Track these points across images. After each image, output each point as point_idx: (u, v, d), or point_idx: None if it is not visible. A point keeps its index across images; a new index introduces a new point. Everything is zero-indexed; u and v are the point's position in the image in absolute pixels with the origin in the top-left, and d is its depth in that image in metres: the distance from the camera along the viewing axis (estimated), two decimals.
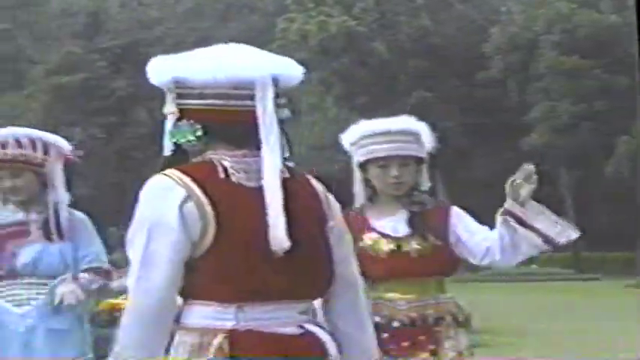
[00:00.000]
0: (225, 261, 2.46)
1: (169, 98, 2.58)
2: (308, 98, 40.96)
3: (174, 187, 2.46)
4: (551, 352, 10.70)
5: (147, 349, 2.47)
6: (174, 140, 2.55)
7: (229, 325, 2.48)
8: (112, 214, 27.31)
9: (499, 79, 39.74)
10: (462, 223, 3.93)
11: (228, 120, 2.52)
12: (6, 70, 44.56)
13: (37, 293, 4.10)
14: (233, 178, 2.51)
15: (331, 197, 2.68)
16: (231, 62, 2.52)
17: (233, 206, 2.48)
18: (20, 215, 4.13)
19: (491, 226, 3.88)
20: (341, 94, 39.51)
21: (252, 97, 2.51)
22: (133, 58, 39.49)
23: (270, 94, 2.50)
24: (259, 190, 2.50)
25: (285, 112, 2.55)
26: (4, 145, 4.16)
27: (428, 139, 4.03)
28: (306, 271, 2.55)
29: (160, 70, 2.57)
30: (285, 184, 2.51)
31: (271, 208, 2.47)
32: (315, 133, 38.66)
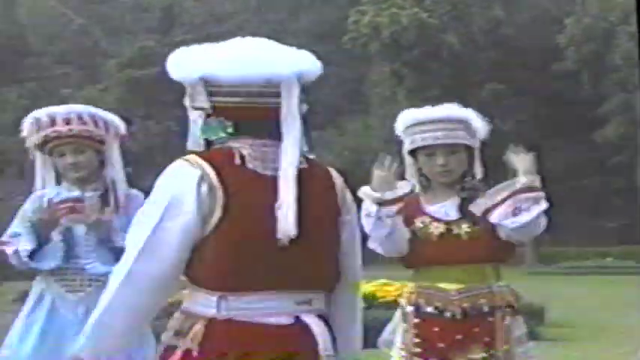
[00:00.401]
0: (219, 249, 2.48)
1: (196, 94, 2.62)
2: (379, 91, 40.85)
3: (190, 168, 2.54)
4: (628, 345, 10.53)
5: (136, 318, 2.52)
6: (206, 137, 2.62)
7: (211, 313, 2.50)
8: None
9: (573, 71, 39.03)
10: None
11: (255, 116, 2.58)
12: (81, 65, 45.00)
13: (90, 280, 4.06)
14: (249, 165, 2.56)
15: (348, 192, 2.70)
16: (260, 61, 2.57)
17: (243, 192, 2.51)
18: (76, 192, 4.07)
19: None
20: (412, 86, 39.26)
21: (278, 94, 2.57)
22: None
23: (296, 91, 2.57)
24: (273, 179, 2.54)
25: (304, 107, 2.61)
26: (67, 122, 4.13)
27: (479, 126, 4.01)
28: (310, 261, 2.56)
29: (186, 66, 2.61)
30: (301, 174, 2.55)
31: (283, 196, 2.50)
32: (387, 126, 38.16)
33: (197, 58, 2.61)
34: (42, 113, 4.17)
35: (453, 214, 3.89)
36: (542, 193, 3.80)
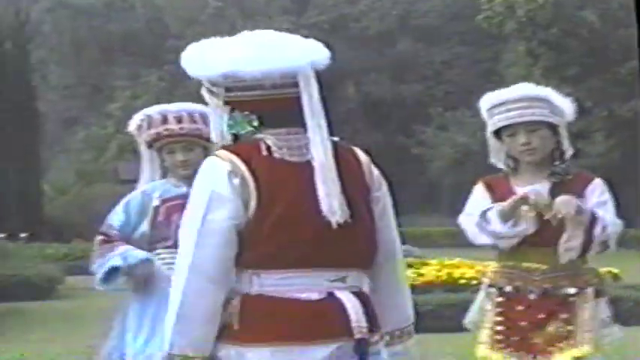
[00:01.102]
0: (256, 232, 2.65)
1: (217, 91, 2.73)
2: (514, 70, 41.70)
3: (221, 163, 2.67)
4: None
5: (209, 305, 2.65)
6: (234, 131, 2.74)
7: (245, 289, 2.67)
8: None
9: None
10: (595, 196, 3.91)
11: (277, 107, 2.71)
12: None
13: None
14: (276, 155, 2.69)
15: (375, 169, 2.87)
16: (277, 54, 2.69)
17: (273, 180, 2.66)
18: (184, 189, 3.93)
19: None
20: (550, 65, 38.88)
21: (295, 85, 2.69)
22: (340, 33, 43.14)
23: (313, 80, 2.71)
24: (305, 165, 2.69)
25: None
26: (179, 120, 4.20)
27: (563, 105, 4.03)
28: (345, 240, 2.68)
29: (207, 64, 2.71)
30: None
31: (325, 181, 2.66)
32: None
33: (217, 56, 2.70)
34: (154, 110, 4.29)
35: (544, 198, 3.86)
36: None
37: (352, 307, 2.68)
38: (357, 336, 2.69)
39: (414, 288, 12.19)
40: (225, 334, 2.68)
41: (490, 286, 4.04)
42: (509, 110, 3.95)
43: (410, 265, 13.12)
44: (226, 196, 2.65)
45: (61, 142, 43.26)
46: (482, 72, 40.36)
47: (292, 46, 2.74)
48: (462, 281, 11.63)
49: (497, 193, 4.00)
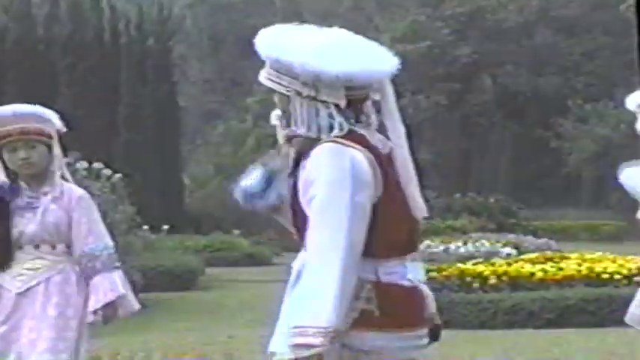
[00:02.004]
0: (380, 221, 2.76)
1: (326, 88, 2.81)
2: None
3: (353, 150, 2.77)
4: None
5: (353, 287, 2.73)
6: (343, 127, 2.81)
7: (372, 277, 2.76)
8: (457, 180, 42.34)
9: None
10: None
11: (361, 105, 2.92)
12: None
13: None
14: (379, 145, 2.86)
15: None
16: (380, 60, 2.97)
17: (387, 171, 2.83)
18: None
19: None
20: None
21: (369, 85, 2.89)
22: (477, 25, 42.89)
23: (390, 84, 2.95)
24: (389, 156, 2.86)
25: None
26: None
27: None
28: (417, 228, 2.92)
29: (323, 61, 2.78)
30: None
31: (412, 177, 2.89)
32: None
33: (338, 55, 2.80)
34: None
35: None
36: None
37: (428, 294, 2.92)
38: (436, 322, 2.92)
39: (553, 282, 12.05)
40: (362, 320, 2.75)
41: None
42: None
43: (549, 259, 12.94)
44: (366, 181, 2.74)
45: (201, 136, 44.08)
46: (627, 63, 39.36)
47: (385, 54, 2.98)
48: (605, 276, 11.37)
49: None
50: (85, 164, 13.57)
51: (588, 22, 42.61)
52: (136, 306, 4.71)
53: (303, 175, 2.82)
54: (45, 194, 4.52)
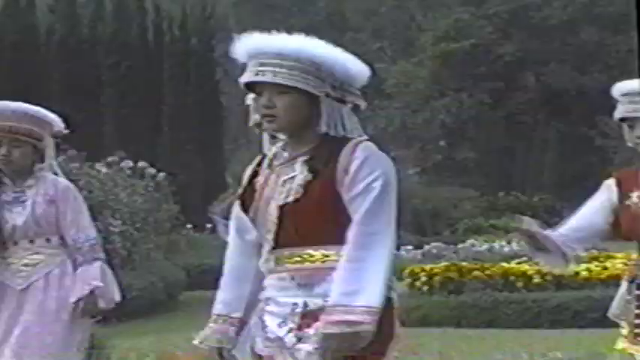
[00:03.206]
0: None
1: (352, 91, 3.12)
2: None
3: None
4: None
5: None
6: (356, 127, 3.12)
7: None
8: (500, 178, 41.97)
9: None
10: None
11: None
12: (396, 39, 42.26)
13: None
14: None
15: None
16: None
17: None
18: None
19: None
20: None
21: None
22: (521, 23, 42.32)
23: None
24: None
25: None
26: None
27: None
28: None
29: (356, 69, 3.11)
30: None
31: None
32: None
33: (356, 60, 3.10)
34: None
35: None
36: None
37: None
38: None
39: (599, 282, 11.96)
40: None
41: (631, 279, 4.03)
42: (630, 103, 4.15)
43: (594, 258, 12.83)
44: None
45: (243, 135, 44.23)
46: (636, 51, 39.06)
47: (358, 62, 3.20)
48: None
49: (623, 187, 4.17)
50: (129, 163, 13.68)
51: (634, 18, 42.28)
52: (117, 297, 4.69)
53: (350, 168, 3.00)
54: (29, 187, 4.62)
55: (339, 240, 2.98)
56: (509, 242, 19.51)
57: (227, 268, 3.24)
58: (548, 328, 10.52)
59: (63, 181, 4.69)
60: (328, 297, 2.96)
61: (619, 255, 13.02)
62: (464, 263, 12.55)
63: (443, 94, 39.52)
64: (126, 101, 27.63)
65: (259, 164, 3.17)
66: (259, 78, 3.08)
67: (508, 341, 9.12)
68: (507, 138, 44.51)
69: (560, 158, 44.05)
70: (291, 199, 3.02)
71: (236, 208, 3.18)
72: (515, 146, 45.33)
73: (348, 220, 2.99)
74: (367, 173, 2.98)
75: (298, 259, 3.02)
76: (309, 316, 2.98)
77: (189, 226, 17.31)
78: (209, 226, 22.06)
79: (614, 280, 11.23)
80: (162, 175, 14.57)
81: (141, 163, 13.87)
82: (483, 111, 40.69)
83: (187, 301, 14.17)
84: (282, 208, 3.02)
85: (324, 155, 3.01)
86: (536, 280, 11.38)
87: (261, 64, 3.09)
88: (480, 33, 40.79)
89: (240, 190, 3.15)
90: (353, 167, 2.99)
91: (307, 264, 3.02)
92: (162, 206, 14.28)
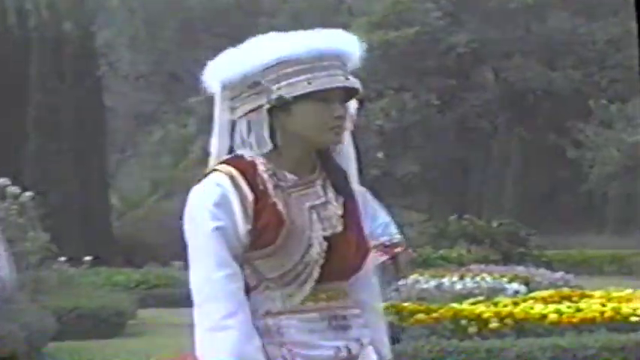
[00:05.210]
0: None
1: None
2: None
3: None
4: None
5: None
6: None
7: None
8: (452, 198, 42.05)
9: None
10: None
11: None
12: (323, 25, 40.16)
13: None
14: None
15: None
16: None
17: None
18: None
19: None
20: None
21: None
22: (476, 6, 42.90)
23: None
24: None
25: None
26: None
27: None
28: None
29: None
30: None
31: None
32: None
33: None
34: None
35: None
36: None
37: None
38: None
39: (570, 326, 12.05)
40: None
41: None
42: None
43: (565, 298, 12.99)
44: None
45: (133, 145, 44.07)
46: (637, 52, 39.81)
47: None
48: (634, 319, 11.43)
49: None
50: None
51: (614, 2, 42.99)
52: None
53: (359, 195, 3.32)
54: None
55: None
56: (461, 278, 19.69)
57: (234, 304, 3.12)
58: None
59: None
60: (362, 341, 3.23)
61: (596, 293, 13.21)
62: (406, 304, 12.61)
63: (381, 94, 39.67)
64: None
65: (250, 185, 3.18)
66: (349, 83, 3.16)
67: None
68: (460, 148, 44.94)
69: (524, 173, 44.61)
70: (339, 229, 3.20)
71: (239, 229, 3.14)
72: (469, 158, 45.95)
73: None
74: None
75: (333, 294, 3.23)
76: None
77: (62, 259, 17.17)
78: (88, 258, 21.95)
79: (589, 325, 11.42)
80: (28, 194, 14.44)
81: (0, 180, 13.76)
82: (430, 115, 41.10)
83: (55, 355, 14.07)
84: (328, 239, 3.18)
85: (340, 174, 3.24)
86: (494, 324, 11.45)
87: (332, 67, 3.16)
88: (425, 19, 41.08)
89: (244, 213, 3.14)
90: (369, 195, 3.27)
91: (340, 301, 3.23)
92: (29, 234, 14.16)
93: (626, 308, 11.69)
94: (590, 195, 41.31)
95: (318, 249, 3.14)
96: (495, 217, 35.01)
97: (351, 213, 3.22)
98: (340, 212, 3.19)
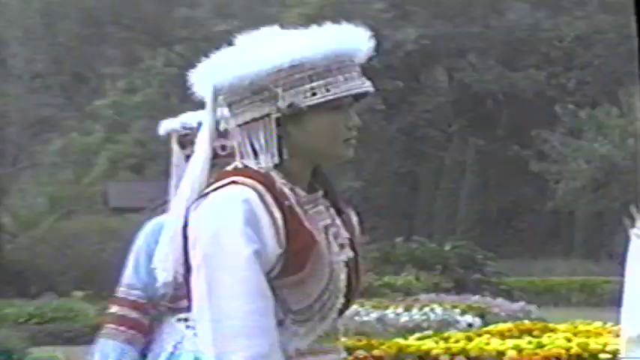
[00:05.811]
0: None
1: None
2: None
3: None
4: None
5: None
6: None
7: None
8: (398, 218, 41.49)
9: None
10: None
11: None
12: (251, 18, 42.88)
13: None
14: None
15: None
16: None
17: None
18: None
19: None
20: None
21: None
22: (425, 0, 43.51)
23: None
24: None
25: None
26: None
27: None
28: None
29: None
30: None
31: None
32: None
33: None
34: None
35: None
36: None
37: None
38: None
39: None
40: None
41: None
42: None
43: (526, 331, 13.12)
44: None
45: (28, 155, 43.75)
46: (636, 52, 40.06)
47: None
48: (604, 356, 11.55)
49: None
50: None
51: None
52: None
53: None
54: None
55: None
56: (408, 309, 19.75)
57: (269, 344, 2.97)
58: None
59: None
60: None
61: (561, 327, 13.34)
62: (344, 339, 12.70)
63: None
64: None
65: (277, 202, 3.08)
66: (366, 87, 3.12)
67: None
68: (408, 161, 45.16)
69: (481, 189, 44.65)
70: (351, 254, 3.14)
71: (269, 253, 3.01)
72: (418, 172, 46.01)
73: None
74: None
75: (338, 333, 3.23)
76: None
77: None
78: None
79: None
80: None
81: None
82: (374, 122, 41.17)
83: None
84: (347, 265, 3.14)
85: (334, 191, 3.18)
86: None
87: (347, 69, 3.11)
88: (367, 11, 41.25)
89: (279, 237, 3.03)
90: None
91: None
92: None
93: (594, 344, 11.79)
94: (557, 214, 41.51)
95: (342, 275, 3.10)
96: (448, 240, 35.18)
97: (351, 234, 3.17)
98: (348, 234, 3.14)
